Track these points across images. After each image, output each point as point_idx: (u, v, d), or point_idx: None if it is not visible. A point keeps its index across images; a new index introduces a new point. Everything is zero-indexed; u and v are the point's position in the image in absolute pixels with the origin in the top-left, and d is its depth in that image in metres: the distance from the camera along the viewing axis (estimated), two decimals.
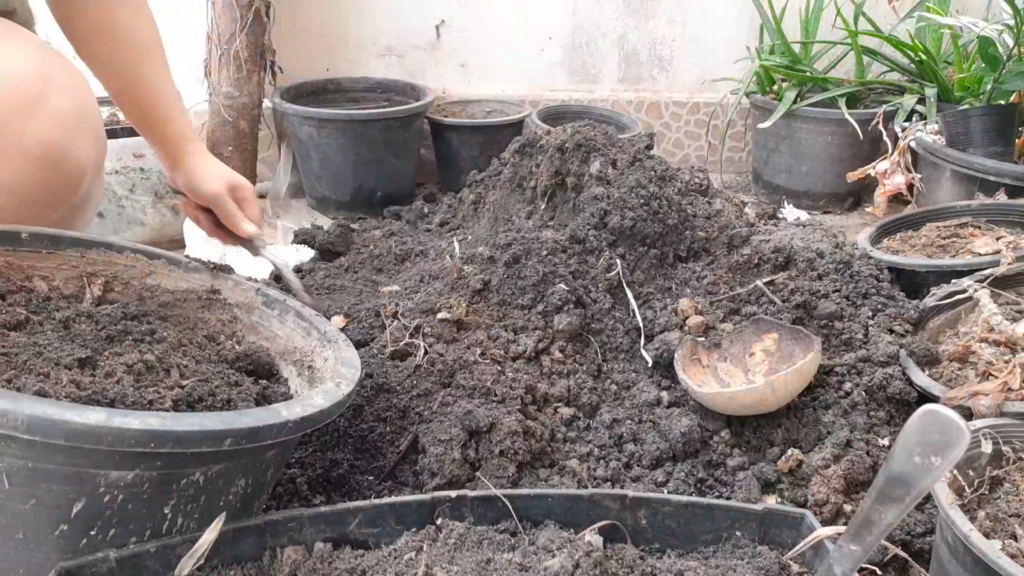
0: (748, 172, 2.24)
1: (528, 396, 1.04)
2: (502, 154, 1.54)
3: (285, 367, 0.89)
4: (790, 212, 1.94)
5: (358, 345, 1.13)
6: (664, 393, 1.09)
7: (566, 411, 1.06)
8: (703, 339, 1.15)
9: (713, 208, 1.42)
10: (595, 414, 1.07)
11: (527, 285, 1.18)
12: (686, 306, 1.17)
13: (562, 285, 1.16)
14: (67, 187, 0.92)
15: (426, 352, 1.08)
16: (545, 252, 1.22)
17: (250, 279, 0.97)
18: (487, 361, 1.07)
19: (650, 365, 1.13)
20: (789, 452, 1.00)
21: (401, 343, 1.10)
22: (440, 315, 1.14)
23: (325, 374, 0.82)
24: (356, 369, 0.79)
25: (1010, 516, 0.77)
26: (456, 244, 1.37)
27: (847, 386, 1.09)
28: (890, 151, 1.81)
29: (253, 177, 1.89)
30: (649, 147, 1.38)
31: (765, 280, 1.26)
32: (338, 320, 1.18)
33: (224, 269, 0.96)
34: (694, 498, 0.77)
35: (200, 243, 1.47)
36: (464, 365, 1.06)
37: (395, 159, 1.89)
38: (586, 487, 0.94)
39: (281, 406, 0.66)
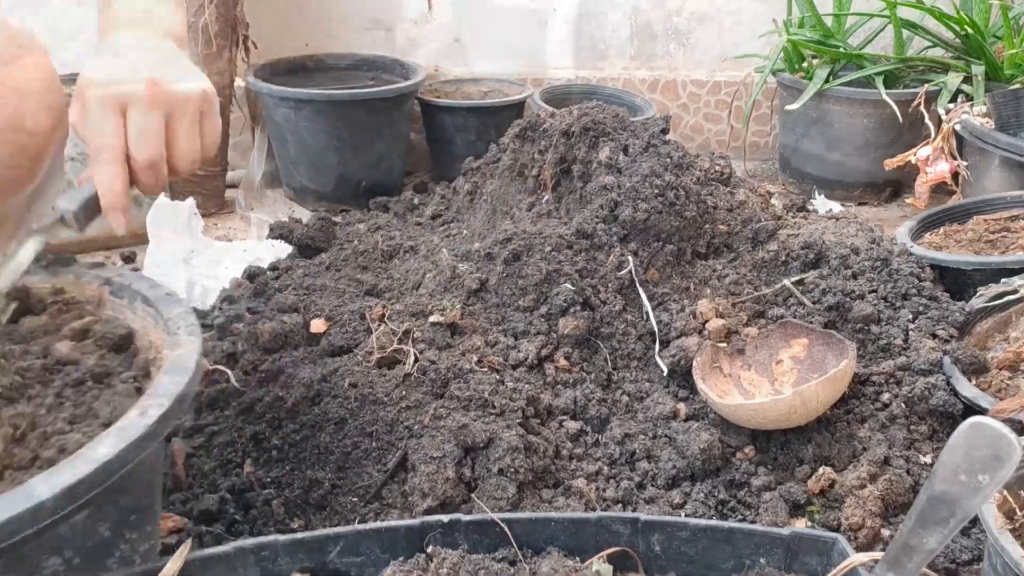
0: (775, 159, 2.24)
1: (530, 408, 1.04)
2: (501, 139, 1.54)
3: (147, 364, 0.85)
4: (821, 203, 1.94)
5: (340, 351, 1.14)
6: (681, 405, 1.09)
7: (572, 425, 1.06)
8: (725, 345, 1.15)
9: (736, 199, 1.42)
10: (604, 428, 1.07)
11: (529, 285, 1.18)
12: (706, 308, 1.17)
13: (567, 285, 1.16)
14: (25, 166, 0.92)
15: (416, 359, 1.08)
16: (549, 248, 1.22)
17: (94, 266, 0.90)
18: (484, 369, 1.07)
19: (665, 374, 1.13)
20: (820, 470, 1.00)
21: (389, 349, 1.10)
22: (432, 318, 1.14)
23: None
24: (182, 378, 0.69)
25: None
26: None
27: (885, 397, 1.09)
28: (933, 135, 1.81)
29: (224, 165, 1.89)
30: (664, 131, 1.38)
31: (794, 279, 1.26)
32: (318, 324, 1.18)
33: (62, 262, 0.86)
34: (714, 522, 0.77)
35: (167, 238, 1.47)
36: (459, 374, 1.06)
37: (382, 144, 1.89)
38: (594, 509, 0.94)
39: (39, 479, 0.56)
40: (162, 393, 0.67)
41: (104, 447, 0.60)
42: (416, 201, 1.76)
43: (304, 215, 1.77)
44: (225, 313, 1.25)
